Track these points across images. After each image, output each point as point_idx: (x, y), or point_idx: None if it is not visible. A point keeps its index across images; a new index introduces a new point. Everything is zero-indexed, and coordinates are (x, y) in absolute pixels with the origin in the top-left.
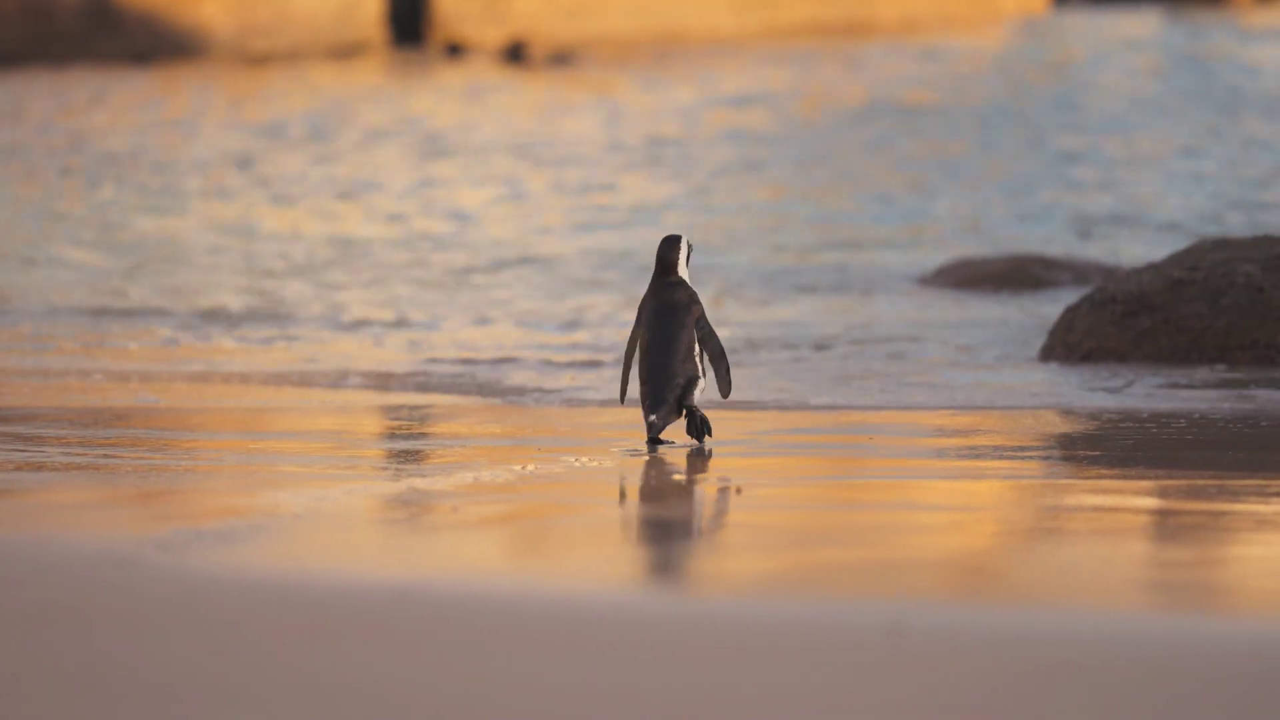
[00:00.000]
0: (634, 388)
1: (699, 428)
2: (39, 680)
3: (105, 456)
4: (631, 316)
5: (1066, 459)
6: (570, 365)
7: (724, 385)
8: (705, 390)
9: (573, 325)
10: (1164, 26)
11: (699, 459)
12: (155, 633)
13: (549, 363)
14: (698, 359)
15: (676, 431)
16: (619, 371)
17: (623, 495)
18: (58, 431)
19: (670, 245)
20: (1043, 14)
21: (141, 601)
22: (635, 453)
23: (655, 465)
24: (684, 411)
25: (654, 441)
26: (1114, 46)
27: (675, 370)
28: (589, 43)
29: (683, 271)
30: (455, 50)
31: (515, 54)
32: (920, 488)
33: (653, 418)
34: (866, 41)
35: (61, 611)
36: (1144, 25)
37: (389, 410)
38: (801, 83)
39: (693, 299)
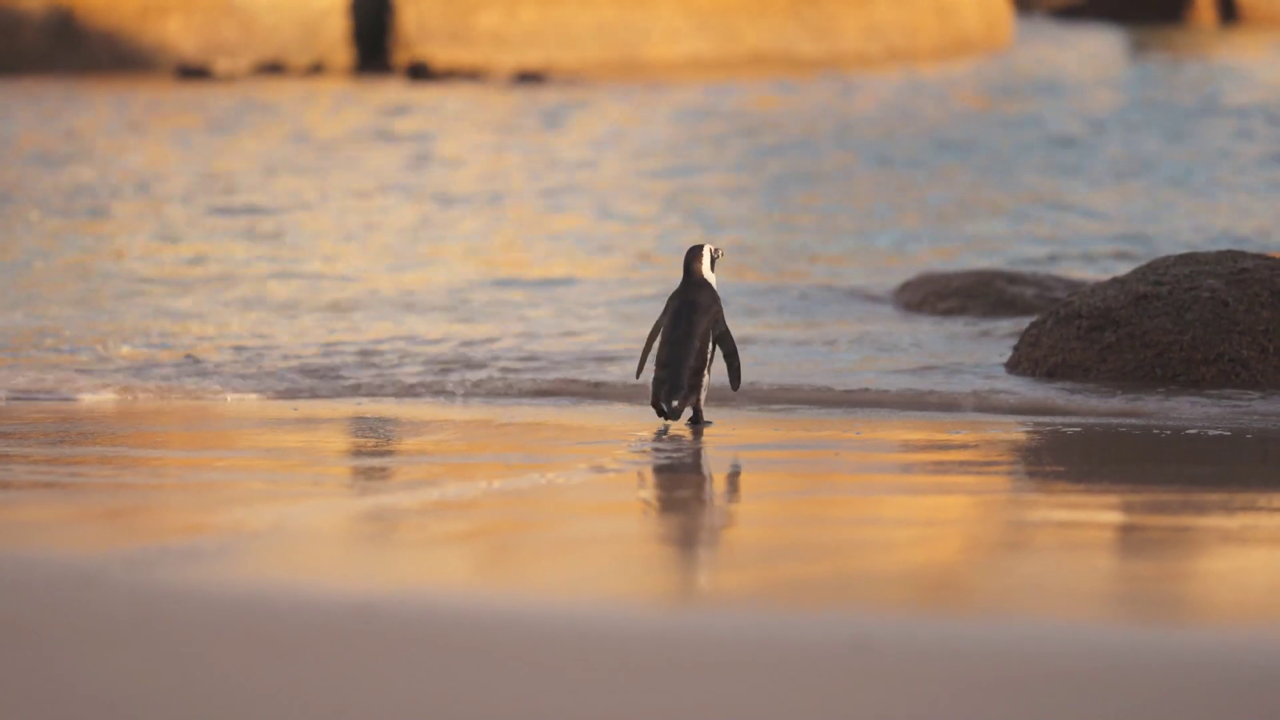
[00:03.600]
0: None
1: (699, 424)
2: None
3: (72, 475)
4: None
5: (1032, 474)
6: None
7: (735, 379)
8: (709, 389)
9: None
10: (1125, 53)
11: (667, 474)
12: (120, 650)
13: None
14: (708, 359)
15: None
16: None
17: (588, 511)
18: (24, 449)
19: (694, 253)
20: (1008, 42)
21: (107, 619)
22: (601, 469)
23: (622, 481)
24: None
25: (667, 417)
26: (1077, 80)
27: (689, 361)
28: (552, 66)
29: (708, 275)
30: (418, 72)
31: (472, 76)
32: (887, 503)
33: (674, 402)
34: (833, 70)
35: (24, 629)
36: (1106, 50)
37: (356, 425)
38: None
39: (713, 299)
